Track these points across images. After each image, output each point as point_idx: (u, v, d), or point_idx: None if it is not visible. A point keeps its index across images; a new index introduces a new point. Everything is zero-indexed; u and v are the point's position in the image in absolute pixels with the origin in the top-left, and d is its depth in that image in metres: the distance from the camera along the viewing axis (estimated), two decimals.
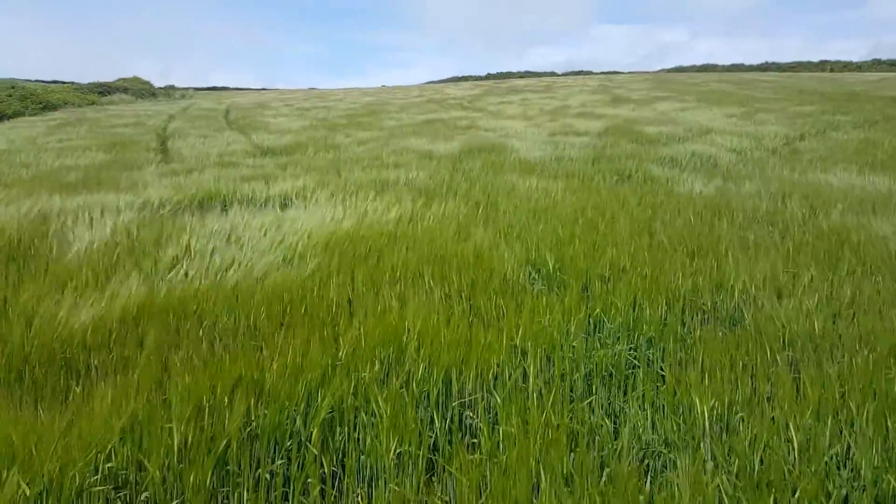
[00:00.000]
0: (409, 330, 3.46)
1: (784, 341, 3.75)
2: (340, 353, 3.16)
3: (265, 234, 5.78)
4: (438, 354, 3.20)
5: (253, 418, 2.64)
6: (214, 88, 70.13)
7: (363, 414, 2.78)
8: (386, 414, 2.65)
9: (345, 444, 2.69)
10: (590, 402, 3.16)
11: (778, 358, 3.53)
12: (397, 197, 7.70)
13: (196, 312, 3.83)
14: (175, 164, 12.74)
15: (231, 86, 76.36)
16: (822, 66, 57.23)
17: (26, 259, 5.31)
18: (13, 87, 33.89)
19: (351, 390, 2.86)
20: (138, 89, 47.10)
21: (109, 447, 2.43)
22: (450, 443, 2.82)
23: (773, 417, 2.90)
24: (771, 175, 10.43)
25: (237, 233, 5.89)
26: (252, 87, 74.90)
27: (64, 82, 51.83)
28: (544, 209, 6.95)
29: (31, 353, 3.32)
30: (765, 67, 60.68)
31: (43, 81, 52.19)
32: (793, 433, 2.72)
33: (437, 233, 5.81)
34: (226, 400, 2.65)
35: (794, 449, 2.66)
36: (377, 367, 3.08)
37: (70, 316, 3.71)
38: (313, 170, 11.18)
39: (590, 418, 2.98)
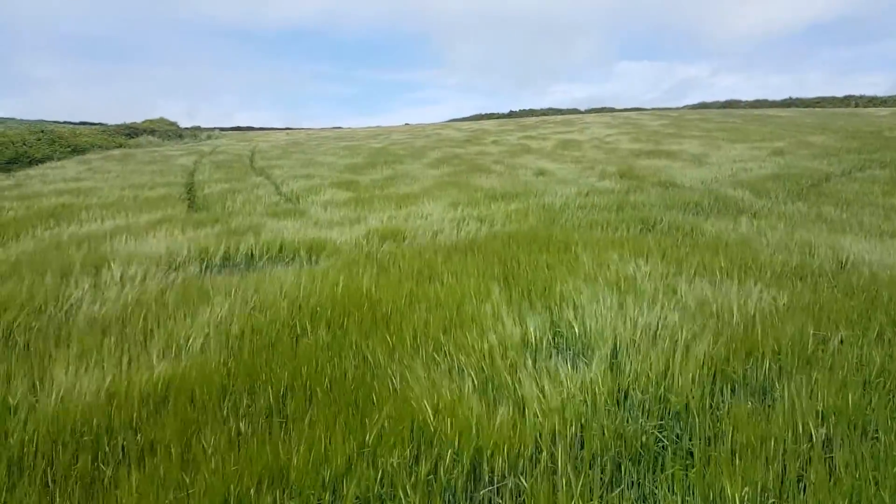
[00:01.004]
0: (434, 409, 3.44)
1: (817, 415, 3.67)
2: (367, 438, 3.15)
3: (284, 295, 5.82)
4: (465, 436, 3.18)
5: None
6: (239, 128, 71.31)
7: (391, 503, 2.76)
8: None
9: None
10: (620, 489, 3.11)
11: (812, 435, 3.45)
12: (418, 251, 7.74)
13: (221, 387, 3.84)
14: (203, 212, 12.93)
15: (255, 125, 77.67)
16: (847, 101, 56.86)
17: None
18: (42, 132, 34.51)
19: (377, 478, 2.84)
20: (165, 130, 48.05)
21: None
22: None
23: None
24: (798, 221, 10.34)
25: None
26: (276, 126, 76.12)
27: (92, 124, 53.04)
28: (566, 263, 6.93)
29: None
30: (788, 103, 60.44)
31: (71, 123, 53.32)
32: None
33: (458, 292, 5.80)
34: (252, 493, 2.64)
35: None
36: (404, 451, 3.06)
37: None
38: (337, 223, 11.30)
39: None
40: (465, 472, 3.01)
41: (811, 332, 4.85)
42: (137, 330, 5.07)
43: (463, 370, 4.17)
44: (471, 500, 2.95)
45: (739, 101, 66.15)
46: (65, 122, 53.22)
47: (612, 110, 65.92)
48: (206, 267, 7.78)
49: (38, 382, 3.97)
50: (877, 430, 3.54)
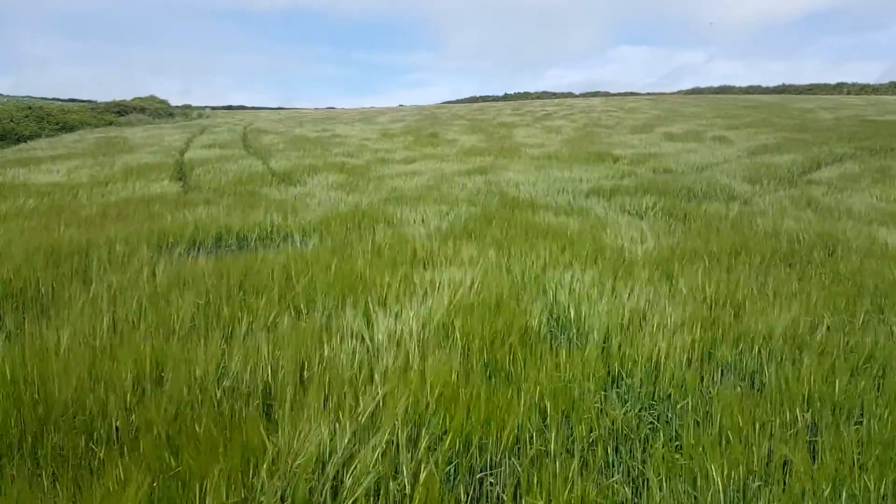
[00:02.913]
0: (430, 391, 3.47)
1: (804, 400, 3.72)
2: (361, 419, 3.19)
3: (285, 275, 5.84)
4: (460, 418, 3.22)
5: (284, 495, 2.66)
6: (231, 108, 70.67)
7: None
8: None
9: None
10: (609, 467, 3.18)
11: (798, 419, 3.51)
12: (412, 235, 7.75)
13: (218, 370, 3.87)
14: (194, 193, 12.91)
15: (248, 105, 76.90)
16: (839, 88, 56.91)
17: None
18: (30, 108, 33.83)
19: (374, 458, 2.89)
20: (155, 109, 47.47)
21: None
22: None
23: (788, 487, 2.89)
24: (788, 208, 10.42)
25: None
26: (269, 106, 75.41)
27: (81, 101, 52.35)
28: (562, 248, 6.96)
29: None
30: (781, 90, 60.42)
31: (59, 100, 52.56)
32: None
33: (456, 278, 5.82)
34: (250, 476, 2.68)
35: None
36: (399, 434, 3.10)
37: None
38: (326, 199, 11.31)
39: (611, 486, 2.98)
40: (459, 454, 3.06)
41: (800, 317, 4.91)
42: (130, 311, 5.07)
43: (464, 353, 4.21)
44: (468, 479, 3.01)
45: (733, 87, 66.03)
46: (53, 99, 52.41)
47: (606, 94, 65.81)
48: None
49: None
50: (862, 415, 3.61)
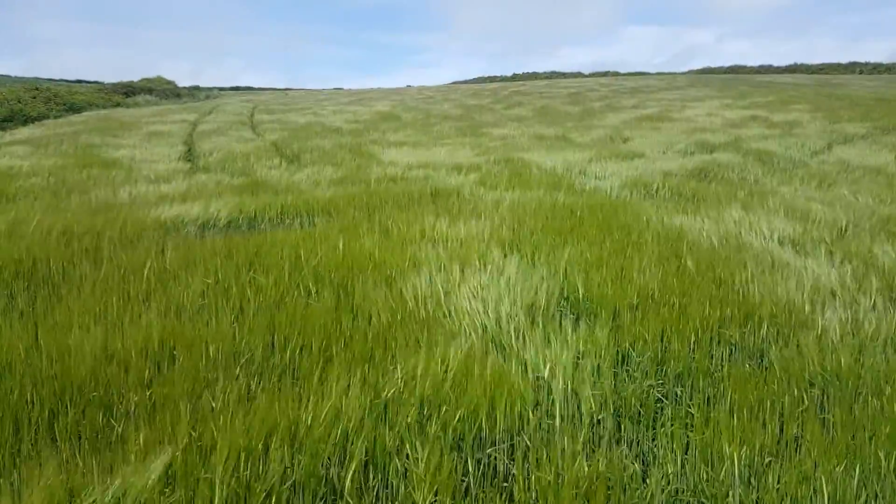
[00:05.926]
0: (444, 367, 3.50)
1: (810, 378, 3.73)
2: (384, 395, 3.23)
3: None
4: (473, 394, 3.24)
5: (289, 465, 2.70)
6: (238, 88, 70.26)
7: (397, 458, 2.84)
8: (422, 461, 2.71)
9: (379, 491, 2.77)
10: (619, 443, 3.20)
11: (805, 397, 3.52)
12: (419, 214, 7.76)
13: (234, 347, 3.91)
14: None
15: (256, 85, 76.43)
16: (852, 67, 56.09)
17: None
18: (37, 89, 34.06)
19: (387, 434, 2.92)
20: (163, 90, 47.42)
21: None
22: (482, 488, 2.87)
23: (801, 465, 2.90)
24: (799, 188, 10.39)
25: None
26: (277, 86, 74.95)
27: (88, 82, 52.31)
28: (570, 229, 6.95)
29: None
30: (794, 69, 59.67)
31: (67, 81, 52.50)
32: (823, 484, 2.73)
33: (465, 255, 5.84)
34: (261, 448, 2.72)
35: (825, 502, 2.68)
36: (415, 410, 3.13)
37: None
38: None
39: (620, 461, 3.00)
40: (471, 430, 3.09)
41: (807, 296, 4.92)
42: (141, 291, 5.10)
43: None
44: (477, 455, 3.04)
45: (744, 67, 65.13)
46: (61, 81, 52.37)
47: (616, 74, 65.20)
48: None
49: None
50: (869, 394, 3.62)
